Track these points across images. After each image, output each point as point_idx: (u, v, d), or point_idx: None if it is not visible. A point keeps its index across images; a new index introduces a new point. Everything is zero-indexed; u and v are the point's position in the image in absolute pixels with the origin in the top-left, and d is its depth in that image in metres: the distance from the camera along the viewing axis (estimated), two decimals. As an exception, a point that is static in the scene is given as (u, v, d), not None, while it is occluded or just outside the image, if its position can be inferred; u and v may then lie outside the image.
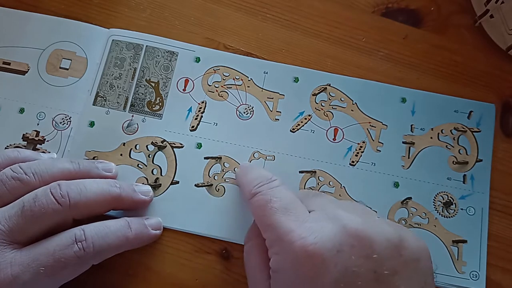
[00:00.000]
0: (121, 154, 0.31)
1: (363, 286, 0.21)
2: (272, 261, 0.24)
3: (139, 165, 0.31)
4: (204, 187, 0.31)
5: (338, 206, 0.25)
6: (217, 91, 0.33)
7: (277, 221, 0.23)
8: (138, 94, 0.32)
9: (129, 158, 0.31)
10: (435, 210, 0.31)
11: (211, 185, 0.31)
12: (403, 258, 0.22)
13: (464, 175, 0.31)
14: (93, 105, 0.32)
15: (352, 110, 0.33)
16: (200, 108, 0.32)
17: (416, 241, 0.23)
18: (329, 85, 0.33)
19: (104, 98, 0.32)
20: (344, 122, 0.32)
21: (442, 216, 0.30)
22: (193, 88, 0.33)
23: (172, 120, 0.32)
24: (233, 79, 0.33)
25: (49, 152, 0.31)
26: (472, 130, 0.32)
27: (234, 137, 0.32)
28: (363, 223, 0.22)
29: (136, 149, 0.31)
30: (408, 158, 0.32)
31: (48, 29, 0.34)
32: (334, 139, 0.32)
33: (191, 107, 0.32)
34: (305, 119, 0.32)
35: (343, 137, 0.32)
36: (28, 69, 0.33)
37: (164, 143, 0.32)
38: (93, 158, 0.31)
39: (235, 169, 0.31)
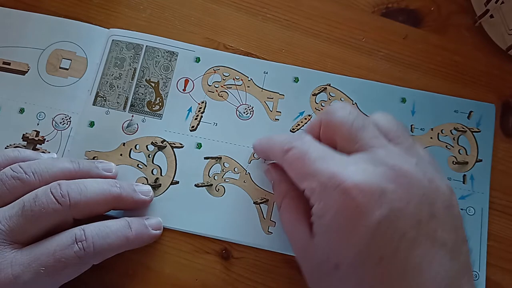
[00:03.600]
0: (121, 154, 0.31)
1: (404, 228, 0.21)
2: (315, 208, 0.23)
3: (139, 165, 0.31)
4: (204, 187, 0.31)
5: (382, 145, 0.24)
6: (217, 91, 0.33)
7: (319, 168, 0.23)
8: (138, 94, 0.32)
9: (129, 158, 0.31)
10: (435, 210, 0.31)
11: (211, 185, 0.31)
12: (439, 204, 0.22)
13: (464, 175, 0.31)
14: (93, 105, 0.32)
15: (352, 110, 0.33)
16: (200, 108, 0.32)
17: (448, 189, 0.23)
18: (329, 85, 0.33)
19: (104, 98, 0.32)
20: (344, 122, 0.32)
21: (442, 216, 0.30)
22: (193, 88, 0.33)
23: (172, 120, 0.32)
24: (233, 79, 0.33)
25: (49, 152, 0.31)
26: (472, 130, 0.32)
27: (234, 137, 0.32)
28: (406, 169, 0.22)
29: (136, 149, 0.31)
30: (408, 158, 0.32)
31: (48, 29, 0.34)
32: (334, 139, 0.32)
33: (191, 107, 0.32)
34: (305, 119, 0.32)
35: (343, 137, 0.32)
36: (28, 69, 0.33)
37: (164, 143, 0.32)
38: (93, 158, 0.31)
39: (241, 172, 0.31)
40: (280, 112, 0.32)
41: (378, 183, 0.22)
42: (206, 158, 0.31)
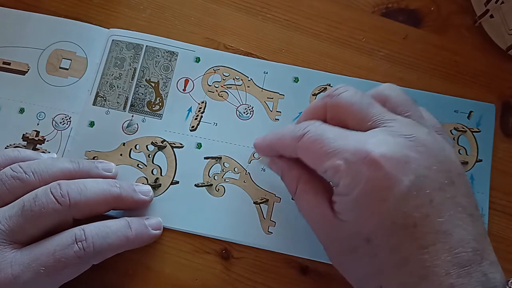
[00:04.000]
0: (121, 154, 0.31)
1: (431, 193, 0.22)
2: (342, 185, 0.23)
3: (139, 165, 0.31)
4: (204, 187, 0.31)
5: (396, 118, 0.24)
6: (217, 91, 0.33)
7: (340, 145, 0.23)
8: (138, 94, 0.32)
9: (129, 158, 0.31)
10: (435, 210, 0.31)
11: (211, 185, 0.31)
12: (454, 171, 0.23)
13: (464, 175, 0.31)
14: (93, 105, 0.32)
15: (352, 110, 0.33)
16: (200, 108, 0.32)
17: (456, 158, 0.24)
18: (329, 85, 0.33)
19: (104, 98, 0.32)
20: (344, 122, 0.32)
21: (442, 216, 0.30)
22: (193, 88, 0.33)
23: (172, 120, 0.32)
24: (233, 79, 0.33)
25: (49, 152, 0.31)
26: (472, 130, 0.32)
27: (234, 137, 0.32)
28: (423, 137, 0.23)
29: (136, 149, 0.31)
30: (408, 158, 0.32)
31: (48, 29, 0.34)
32: (334, 139, 0.32)
33: (191, 107, 0.32)
34: (305, 119, 0.32)
35: (343, 137, 0.32)
36: (28, 69, 0.33)
37: (164, 143, 0.32)
38: (93, 158, 0.31)
39: (241, 172, 0.31)
40: (280, 112, 0.32)
41: (402, 152, 0.22)
42: (206, 158, 0.31)
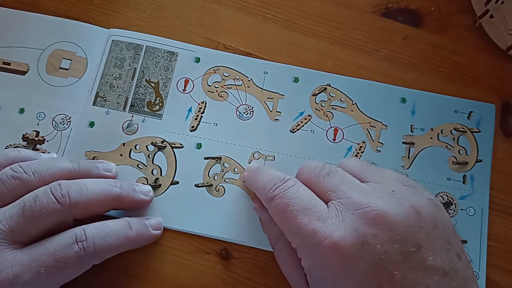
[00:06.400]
0: (121, 154, 0.31)
1: (393, 269, 0.21)
2: (302, 262, 0.24)
3: (139, 165, 0.31)
4: (204, 187, 0.31)
5: (354, 189, 0.24)
6: (217, 91, 0.33)
7: (300, 225, 0.23)
8: (138, 94, 0.32)
9: (129, 158, 0.31)
10: (435, 210, 0.31)
11: (211, 185, 0.31)
12: (423, 229, 0.22)
13: (464, 175, 0.31)
14: (93, 105, 0.32)
15: (352, 110, 0.33)
16: (200, 108, 0.32)
17: (431, 206, 0.23)
18: (329, 85, 0.33)
19: (104, 98, 0.32)
20: (344, 122, 0.32)
21: (442, 216, 0.30)
22: (193, 88, 0.33)
23: (172, 120, 0.32)
24: (233, 79, 0.33)
25: (49, 152, 0.31)
26: (472, 130, 0.32)
27: (234, 137, 0.32)
28: (381, 207, 0.22)
29: (136, 149, 0.31)
30: (408, 158, 0.32)
31: (48, 29, 0.34)
32: (334, 139, 0.32)
33: (191, 107, 0.32)
34: (305, 119, 0.32)
35: (343, 138, 0.32)
36: (28, 69, 0.33)
37: (164, 143, 0.32)
38: (93, 158, 0.31)
39: (240, 172, 0.31)
40: (280, 112, 0.32)
41: (358, 234, 0.22)
42: (206, 158, 0.31)
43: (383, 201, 0.23)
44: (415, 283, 0.21)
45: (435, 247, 0.22)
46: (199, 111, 0.32)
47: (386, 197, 0.23)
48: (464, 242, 0.30)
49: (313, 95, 0.33)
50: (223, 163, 0.31)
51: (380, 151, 0.32)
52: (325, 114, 0.32)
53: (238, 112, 0.32)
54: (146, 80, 0.33)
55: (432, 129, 0.32)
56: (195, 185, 0.31)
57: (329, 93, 0.33)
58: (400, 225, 0.22)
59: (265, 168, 0.29)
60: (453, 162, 0.32)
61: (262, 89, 0.33)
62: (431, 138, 0.32)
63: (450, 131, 0.32)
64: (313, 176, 0.26)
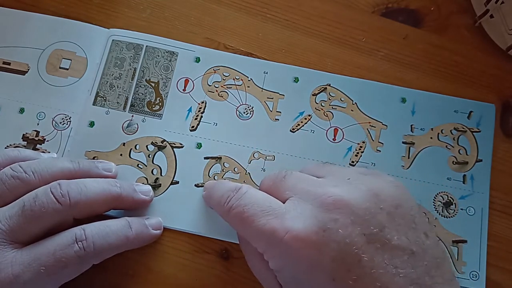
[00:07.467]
0: (121, 154, 0.31)
1: (360, 252, 0.21)
2: (270, 264, 0.24)
3: (139, 165, 0.31)
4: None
5: (310, 183, 0.25)
6: (217, 91, 0.33)
7: (258, 227, 0.23)
8: (138, 94, 0.32)
9: (129, 158, 0.31)
10: (435, 210, 0.31)
11: (211, 185, 0.31)
12: (384, 210, 0.22)
13: (464, 175, 0.31)
14: (93, 105, 0.32)
15: (352, 110, 0.33)
16: (200, 108, 0.32)
17: (391, 188, 0.23)
18: (329, 85, 0.33)
19: (104, 98, 0.32)
20: (344, 122, 0.32)
21: (442, 216, 0.30)
22: (193, 88, 0.33)
23: (172, 120, 0.32)
24: (233, 79, 0.33)
25: (49, 152, 0.31)
26: (472, 130, 0.32)
27: (234, 137, 0.32)
28: (338, 192, 0.23)
29: (136, 149, 0.31)
30: (408, 158, 0.32)
31: (48, 29, 0.34)
32: (334, 139, 0.32)
33: (191, 107, 0.32)
34: (305, 119, 0.32)
35: (343, 137, 0.32)
36: (28, 69, 0.33)
37: (164, 143, 0.32)
38: (93, 158, 0.31)
39: (240, 172, 0.31)
40: (280, 112, 0.32)
41: (318, 222, 0.22)
42: (206, 158, 0.31)
43: (340, 188, 0.23)
44: (384, 265, 0.21)
45: (399, 227, 0.22)
46: (199, 111, 0.32)
47: (343, 184, 0.23)
48: (464, 242, 0.30)
49: (313, 95, 0.33)
50: (223, 163, 0.31)
51: (380, 151, 0.32)
52: (325, 114, 0.32)
53: (238, 112, 0.32)
54: (146, 80, 0.33)
55: (432, 129, 0.32)
56: (195, 185, 0.31)
57: (329, 93, 0.33)
58: (359, 208, 0.22)
59: (219, 182, 0.29)
60: (453, 162, 0.32)
61: (262, 89, 0.33)
62: (431, 138, 0.32)
63: (450, 131, 0.32)
64: (272, 183, 0.26)
